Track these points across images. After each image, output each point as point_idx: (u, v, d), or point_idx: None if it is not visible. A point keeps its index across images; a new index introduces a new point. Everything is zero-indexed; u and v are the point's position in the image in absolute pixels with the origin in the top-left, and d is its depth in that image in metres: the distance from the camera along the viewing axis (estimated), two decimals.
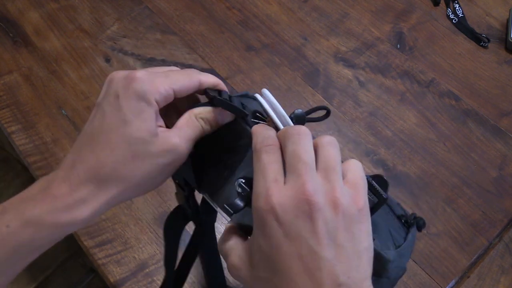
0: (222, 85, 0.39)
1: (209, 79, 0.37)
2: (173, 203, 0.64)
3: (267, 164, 0.31)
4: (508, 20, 0.84)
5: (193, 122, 0.36)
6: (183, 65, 0.78)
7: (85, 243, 0.61)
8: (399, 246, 0.37)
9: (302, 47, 0.81)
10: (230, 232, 0.36)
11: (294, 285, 0.29)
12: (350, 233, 0.30)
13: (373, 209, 0.34)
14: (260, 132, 0.33)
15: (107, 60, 0.78)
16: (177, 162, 0.35)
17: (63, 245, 0.90)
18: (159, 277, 0.59)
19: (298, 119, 0.37)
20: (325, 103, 0.75)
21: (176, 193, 0.46)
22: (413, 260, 0.62)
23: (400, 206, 0.41)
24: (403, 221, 0.39)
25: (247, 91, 0.40)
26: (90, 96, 0.74)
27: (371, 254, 0.31)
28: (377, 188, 0.34)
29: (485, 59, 0.81)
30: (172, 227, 0.48)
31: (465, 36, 0.83)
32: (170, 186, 0.45)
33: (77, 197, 0.33)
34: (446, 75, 0.79)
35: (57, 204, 0.32)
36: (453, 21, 0.85)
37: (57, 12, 0.83)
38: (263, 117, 0.37)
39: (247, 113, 0.37)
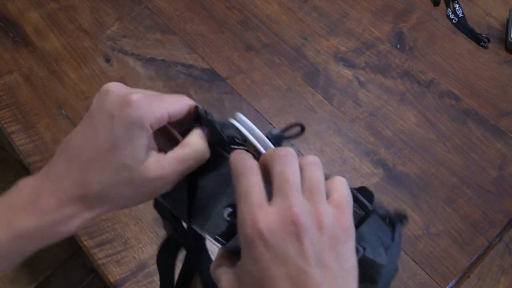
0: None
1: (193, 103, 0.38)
2: None
3: (249, 188, 0.31)
4: (508, 20, 0.84)
5: (185, 157, 0.36)
6: (183, 65, 0.78)
7: (85, 243, 0.61)
8: (388, 248, 0.37)
9: (302, 47, 0.81)
10: (221, 257, 0.36)
11: None
12: (336, 253, 0.30)
13: (361, 222, 0.34)
14: (238, 157, 0.33)
15: (107, 60, 0.78)
16: (163, 189, 0.36)
17: (63, 245, 0.90)
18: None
19: (277, 139, 0.37)
20: (325, 103, 0.75)
21: (164, 226, 0.46)
22: (413, 260, 0.62)
23: (383, 206, 0.41)
24: (387, 221, 0.40)
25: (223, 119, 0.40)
26: (90, 96, 0.74)
27: (356, 272, 0.31)
28: (363, 201, 0.34)
29: (485, 59, 0.81)
30: (165, 259, 0.48)
31: (465, 36, 0.83)
32: None
33: (65, 213, 0.34)
34: (446, 75, 0.79)
35: (46, 219, 0.34)
36: (453, 21, 0.85)
37: (57, 12, 0.83)
38: (240, 142, 0.37)
39: (226, 140, 0.37)
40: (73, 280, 0.91)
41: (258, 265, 0.30)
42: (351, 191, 0.34)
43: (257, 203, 0.30)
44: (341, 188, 0.33)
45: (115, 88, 0.35)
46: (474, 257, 0.63)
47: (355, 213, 0.32)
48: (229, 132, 0.38)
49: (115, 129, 0.33)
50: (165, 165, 0.35)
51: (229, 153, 0.36)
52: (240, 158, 0.33)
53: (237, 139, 0.38)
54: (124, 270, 0.60)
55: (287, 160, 0.32)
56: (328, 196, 0.32)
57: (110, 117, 0.33)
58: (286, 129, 0.39)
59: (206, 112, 0.38)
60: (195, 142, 0.37)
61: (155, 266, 0.60)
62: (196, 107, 0.37)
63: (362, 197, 0.34)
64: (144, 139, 0.34)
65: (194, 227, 0.38)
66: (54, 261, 0.90)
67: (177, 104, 0.36)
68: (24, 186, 0.35)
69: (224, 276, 0.34)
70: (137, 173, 0.34)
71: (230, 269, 0.34)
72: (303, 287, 0.29)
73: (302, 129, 0.39)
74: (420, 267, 0.62)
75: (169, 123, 0.36)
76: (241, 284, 0.32)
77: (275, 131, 0.37)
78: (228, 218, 0.35)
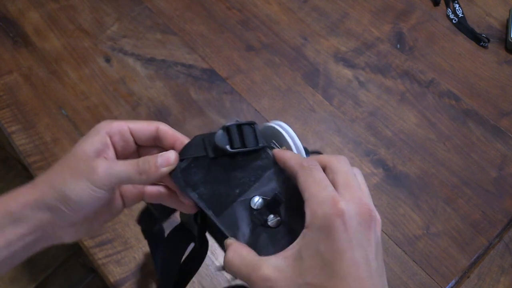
0: (180, 138, 0.41)
1: (165, 127, 0.41)
2: None
3: (324, 179, 0.34)
4: (508, 20, 0.84)
5: (133, 162, 0.39)
6: (183, 65, 0.78)
7: (85, 243, 0.61)
8: None
9: (302, 47, 0.81)
10: (242, 247, 0.35)
11: None
12: (381, 249, 0.34)
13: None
14: (296, 155, 0.37)
15: (107, 60, 0.78)
16: (96, 189, 0.37)
17: (63, 245, 0.90)
18: None
19: (307, 153, 0.42)
20: (325, 103, 0.75)
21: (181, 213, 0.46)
22: (413, 260, 0.62)
23: None
24: None
25: (269, 124, 0.43)
26: (90, 96, 0.74)
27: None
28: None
29: (485, 59, 0.81)
30: (174, 242, 0.48)
31: (465, 36, 0.83)
32: None
33: (18, 192, 0.37)
34: (446, 75, 0.79)
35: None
36: (453, 21, 0.85)
37: (57, 12, 0.83)
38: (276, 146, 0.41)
39: (263, 145, 0.39)
40: (73, 280, 0.91)
41: (334, 245, 0.31)
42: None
43: (334, 191, 0.33)
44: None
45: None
46: (474, 257, 0.63)
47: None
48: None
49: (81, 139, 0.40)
50: (99, 162, 0.38)
51: (266, 150, 0.39)
52: (301, 158, 0.37)
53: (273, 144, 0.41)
54: (124, 270, 0.60)
55: (348, 164, 0.36)
56: None
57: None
58: (318, 152, 0.44)
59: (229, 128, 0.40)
60: (126, 168, 0.39)
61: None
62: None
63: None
64: (95, 141, 0.39)
65: (209, 214, 0.38)
66: (54, 261, 0.90)
67: (141, 123, 0.41)
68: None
69: (266, 264, 0.33)
70: (78, 161, 0.37)
71: (274, 256, 0.33)
72: (366, 276, 0.31)
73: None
74: (420, 267, 0.62)
75: (138, 142, 0.41)
76: (300, 267, 0.32)
77: (309, 149, 0.43)
78: (256, 207, 0.36)
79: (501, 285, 0.62)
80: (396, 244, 0.63)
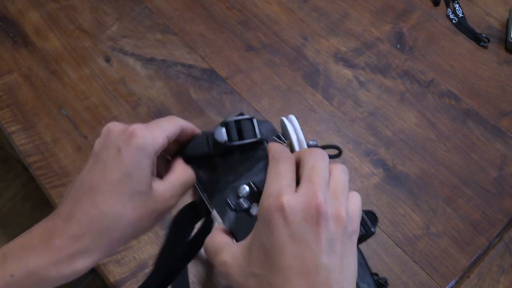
0: (196, 130, 0.42)
1: (187, 125, 0.40)
2: None
3: (283, 171, 0.33)
4: (508, 20, 0.84)
5: (184, 183, 0.39)
6: (183, 65, 0.78)
7: None
8: None
9: (302, 47, 0.81)
10: (221, 231, 0.37)
11: (290, 285, 0.30)
12: (346, 249, 0.32)
13: (360, 240, 0.36)
14: (279, 146, 0.37)
15: (107, 60, 0.78)
16: (166, 212, 0.38)
17: None
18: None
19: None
20: (325, 103, 0.75)
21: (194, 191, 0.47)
22: (413, 260, 0.62)
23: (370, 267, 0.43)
24: (374, 279, 0.41)
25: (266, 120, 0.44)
26: (90, 96, 0.74)
27: (356, 275, 0.33)
28: (367, 221, 0.37)
29: (485, 59, 0.81)
30: (182, 223, 0.47)
31: (465, 36, 0.83)
32: None
33: (79, 248, 0.34)
34: (446, 75, 0.79)
35: (60, 255, 0.33)
36: (453, 21, 0.85)
37: (57, 12, 0.83)
38: (280, 141, 0.41)
39: (261, 138, 0.39)
40: (73, 280, 0.91)
41: (274, 238, 0.31)
42: None
43: (287, 183, 0.32)
44: (357, 201, 0.35)
45: (115, 125, 0.37)
46: (474, 257, 0.63)
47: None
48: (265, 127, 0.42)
49: (125, 160, 0.34)
50: (170, 189, 0.37)
51: (266, 142, 0.39)
52: (281, 148, 0.36)
53: (278, 137, 0.42)
54: (124, 270, 0.60)
55: (320, 157, 0.34)
56: None
57: (117, 150, 0.35)
58: (324, 147, 0.42)
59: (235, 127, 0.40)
60: (185, 170, 0.39)
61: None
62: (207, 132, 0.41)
63: (367, 218, 0.37)
64: (150, 166, 0.36)
65: (204, 197, 0.40)
66: None
67: (172, 127, 0.39)
68: (37, 228, 0.35)
69: (226, 249, 0.34)
70: (146, 197, 0.35)
71: (233, 243, 0.35)
72: (312, 271, 0.30)
73: (339, 152, 0.43)
74: (420, 267, 0.62)
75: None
76: (249, 256, 0.32)
77: (313, 142, 0.42)
78: (244, 192, 0.37)
79: (501, 285, 0.62)
80: (396, 244, 0.63)
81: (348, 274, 0.32)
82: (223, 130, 0.39)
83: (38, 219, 0.37)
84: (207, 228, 0.49)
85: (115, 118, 0.72)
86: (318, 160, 0.34)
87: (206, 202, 0.40)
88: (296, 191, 0.32)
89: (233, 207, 0.37)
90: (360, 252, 0.40)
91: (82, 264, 0.34)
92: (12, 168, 0.98)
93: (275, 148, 0.37)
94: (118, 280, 0.59)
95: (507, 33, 0.82)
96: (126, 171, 0.34)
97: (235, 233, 0.37)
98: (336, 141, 0.71)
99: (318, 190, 0.32)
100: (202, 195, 0.40)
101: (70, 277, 0.34)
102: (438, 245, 0.63)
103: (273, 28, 0.83)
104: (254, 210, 0.37)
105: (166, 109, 0.73)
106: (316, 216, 0.31)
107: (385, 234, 0.64)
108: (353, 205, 0.35)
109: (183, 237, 0.48)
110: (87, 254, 0.34)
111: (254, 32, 0.82)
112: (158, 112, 0.73)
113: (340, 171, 0.35)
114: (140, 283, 0.59)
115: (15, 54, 0.78)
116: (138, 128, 0.35)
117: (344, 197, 0.33)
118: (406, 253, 0.63)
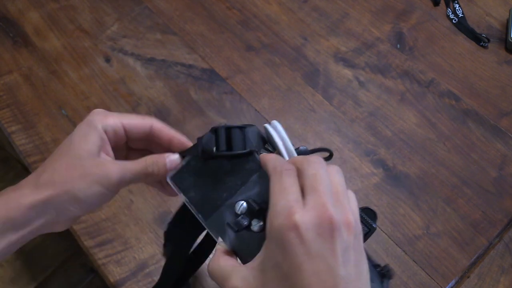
0: (176, 136, 0.42)
1: (159, 125, 0.42)
2: (173, 203, 0.64)
3: (289, 186, 0.33)
4: (508, 20, 0.84)
5: (142, 165, 0.39)
6: (183, 65, 0.78)
7: (85, 243, 0.61)
8: None
9: (302, 47, 0.81)
10: (224, 254, 0.36)
11: None
12: (358, 253, 0.32)
13: (364, 238, 0.36)
14: (276, 158, 0.36)
15: (107, 60, 0.78)
16: (107, 192, 0.38)
17: (63, 245, 0.90)
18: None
19: (302, 155, 0.40)
20: (325, 103, 0.75)
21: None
22: (413, 260, 0.62)
23: (371, 258, 0.43)
24: (377, 270, 0.41)
25: (252, 123, 0.41)
26: (90, 96, 0.74)
27: (369, 278, 0.33)
28: (367, 218, 0.37)
29: (485, 59, 0.81)
30: (187, 228, 0.47)
31: (465, 36, 0.83)
32: None
33: (20, 193, 0.38)
34: (446, 75, 0.79)
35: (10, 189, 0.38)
36: (453, 21, 0.85)
37: (57, 12, 0.83)
38: (269, 149, 0.40)
39: (250, 150, 0.38)
40: (73, 280, 0.91)
41: (290, 258, 0.30)
42: None
43: (295, 199, 0.32)
44: (353, 200, 0.35)
45: (96, 110, 0.41)
46: (474, 257, 0.63)
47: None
48: (251, 133, 0.40)
49: (74, 131, 0.40)
50: (112, 167, 0.38)
51: (257, 154, 0.38)
52: (279, 160, 0.35)
53: (265, 146, 0.40)
54: (124, 270, 0.60)
55: (319, 165, 0.34)
56: None
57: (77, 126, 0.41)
58: (314, 150, 0.41)
59: (216, 130, 0.40)
60: (145, 164, 0.40)
61: (155, 266, 0.60)
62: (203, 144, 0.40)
63: (365, 216, 0.37)
64: (96, 138, 0.39)
65: (199, 218, 0.39)
66: (54, 261, 0.90)
67: (135, 118, 0.41)
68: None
69: (235, 274, 0.34)
70: (83, 161, 0.38)
71: (241, 266, 0.34)
72: (331, 285, 0.30)
73: (330, 155, 0.42)
74: (420, 267, 0.62)
75: (130, 137, 0.41)
76: (264, 279, 0.32)
77: (303, 148, 0.40)
78: (241, 210, 0.36)
79: (501, 285, 0.62)
80: (396, 244, 0.63)
81: (363, 279, 0.32)
82: (213, 137, 0.39)
83: None
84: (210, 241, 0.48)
85: None
86: (318, 169, 0.33)
87: (203, 223, 0.38)
88: (303, 204, 0.32)
89: (233, 226, 0.36)
90: None
91: (14, 238, 0.37)
92: (12, 168, 0.98)
93: (273, 160, 0.36)
94: (118, 280, 0.59)
95: (507, 33, 0.82)
96: (73, 138, 0.39)
97: (239, 252, 0.36)
98: (336, 141, 0.71)
99: (326, 202, 0.31)
100: (197, 216, 0.39)
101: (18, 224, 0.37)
102: (438, 245, 0.63)
103: (273, 28, 0.83)
104: (255, 227, 0.36)
105: (166, 109, 0.73)
106: (329, 229, 0.30)
107: (385, 234, 0.64)
108: (352, 206, 0.34)
109: (190, 245, 0.48)
110: (25, 197, 0.37)
111: (254, 32, 0.82)
112: (158, 112, 0.73)
113: (335, 173, 0.35)
114: (140, 283, 0.59)
115: (15, 54, 0.78)
116: (95, 110, 0.41)
117: (347, 200, 0.33)
118: (406, 253, 0.63)
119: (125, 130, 0.41)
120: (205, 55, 0.79)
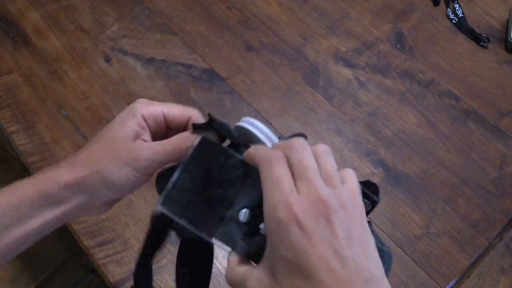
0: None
1: (199, 118, 0.42)
2: None
3: (281, 176, 0.33)
4: (508, 20, 0.84)
5: (173, 144, 0.40)
6: (183, 65, 0.78)
7: (85, 243, 0.61)
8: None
9: (302, 47, 0.81)
10: (238, 261, 0.36)
11: (325, 287, 0.30)
12: (361, 232, 0.32)
13: (369, 211, 0.36)
14: (262, 150, 0.35)
15: (107, 60, 0.78)
16: (138, 174, 0.39)
17: (63, 245, 0.90)
18: (160, 277, 0.59)
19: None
20: (325, 103, 0.75)
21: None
22: (413, 260, 0.62)
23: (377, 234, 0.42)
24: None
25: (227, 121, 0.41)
26: (90, 96, 0.74)
27: (377, 252, 0.33)
28: (369, 193, 0.37)
29: (485, 59, 0.81)
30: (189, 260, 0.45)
31: (465, 36, 0.83)
32: None
33: (57, 172, 0.39)
34: (446, 75, 0.79)
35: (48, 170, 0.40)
36: (453, 21, 0.85)
37: (57, 12, 0.83)
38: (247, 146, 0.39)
39: (240, 142, 0.38)
40: (73, 280, 0.91)
41: (294, 248, 0.30)
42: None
43: (289, 189, 0.32)
44: (352, 178, 0.35)
45: (140, 99, 0.42)
46: (474, 257, 0.63)
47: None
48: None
49: (116, 116, 0.41)
50: (142, 150, 0.39)
51: (241, 154, 0.37)
52: (265, 150, 0.35)
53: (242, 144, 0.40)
54: (124, 270, 0.60)
55: (303, 149, 0.34)
56: None
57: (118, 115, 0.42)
58: (290, 137, 0.41)
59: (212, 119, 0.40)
60: (176, 142, 0.40)
61: (155, 266, 0.60)
62: (209, 114, 0.40)
63: (367, 190, 0.37)
64: (133, 125, 0.40)
65: (203, 236, 0.37)
66: (54, 261, 0.90)
67: (176, 108, 0.42)
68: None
69: (250, 277, 0.34)
70: (119, 146, 0.39)
71: (253, 268, 0.34)
72: (338, 266, 0.30)
73: (305, 138, 0.41)
74: (420, 267, 0.62)
75: (171, 126, 0.42)
76: (275, 274, 0.32)
77: (284, 138, 0.39)
78: (245, 221, 0.36)
79: (501, 285, 0.62)
80: (396, 244, 0.63)
81: (371, 256, 0.32)
82: (226, 124, 0.40)
83: None
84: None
85: None
86: (302, 153, 0.33)
87: (208, 240, 0.37)
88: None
89: (243, 236, 0.36)
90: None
91: (50, 216, 0.38)
92: (12, 168, 0.98)
93: (260, 151, 0.35)
94: (118, 280, 0.59)
95: (507, 33, 0.82)
96: (111, 124, 0.41)
97: (254, 257, 0.36)
98: (336, 141, 0.71)
99: (317, 186, 0.31)
100: (200, 235, 0.38)
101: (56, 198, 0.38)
102: (438, 245, 0.63)
103: (273, 28, 0.83)
104: (263, 230, 0.36)
105: None
106: (325, 212, 0.31)
107: (385, 234, 0.64)
108: (350, 184, 0.34)
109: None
110: (64, 174, 0.39)
111: (254, 32, 0.82)
112: None
113: (323, 154, 0.34)
114: None
115: (15, 54, 0.78)
116: (139, 99, 0.42)
117: (338, 180, 0.33)
118: (406, 253, 0.63)
119: (165, 119, 0.42)
120: (205, 55, 0.79)
